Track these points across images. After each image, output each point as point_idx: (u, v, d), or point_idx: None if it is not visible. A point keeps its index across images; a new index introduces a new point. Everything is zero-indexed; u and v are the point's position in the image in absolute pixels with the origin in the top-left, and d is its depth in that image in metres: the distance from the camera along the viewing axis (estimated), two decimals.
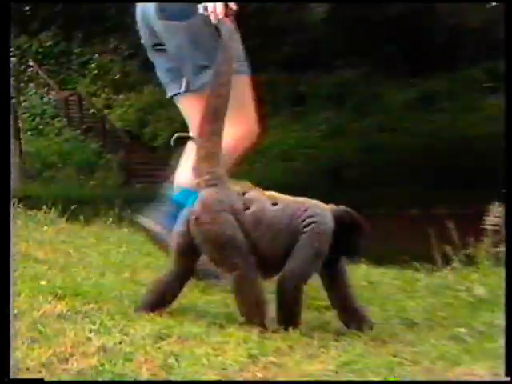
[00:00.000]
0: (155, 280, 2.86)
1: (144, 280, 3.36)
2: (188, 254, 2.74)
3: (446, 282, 3.57)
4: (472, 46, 21.50)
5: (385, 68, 20.51)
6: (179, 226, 2.80)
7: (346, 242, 2.70)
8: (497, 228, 3.69)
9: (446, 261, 3.82)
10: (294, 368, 2.34)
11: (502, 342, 2.73)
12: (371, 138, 18.58)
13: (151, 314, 2.78)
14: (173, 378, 2.23)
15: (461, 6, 18.29)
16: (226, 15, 3.23)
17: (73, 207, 6.12)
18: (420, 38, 20.76)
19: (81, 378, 2.15)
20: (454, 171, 16.95)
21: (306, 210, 2.68)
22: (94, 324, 2.62)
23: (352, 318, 2.78)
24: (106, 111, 25.07)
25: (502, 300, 3.10)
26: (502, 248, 3.61)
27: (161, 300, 2.79)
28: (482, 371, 2.43)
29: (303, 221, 2.66)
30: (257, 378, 2.26)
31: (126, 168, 21.23)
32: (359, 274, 3.89)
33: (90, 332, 2.54)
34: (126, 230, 5.15)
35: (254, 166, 15.32)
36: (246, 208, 2.68)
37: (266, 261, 2.69)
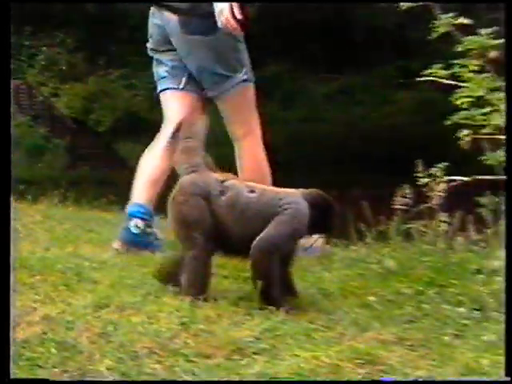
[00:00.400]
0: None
1: (86, 254, 3.31)
2: None
3: (360, 256, 3.59)
4: (387, 46, 21.69)
5: (308, 64, 20.61)
6: None
7: (320, 222, 2.69)
8: (406, 208, 3.72)
9: (360, 237, 3.84)
10: (222, 334, 2.33)
11: (411, 309, 2.77)
12: (296, 127, 18.67)
13: (92, 286, 2.75)
14: (110, 345, 2.20)
15: (378, 8, 18.38)
16: (239, 26, 3.30)
17: (22, 187, 6.01)
18: (341, 37, 20.87)
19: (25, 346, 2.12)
20: (369, 157, 17.14)
21: (281, 199, 2.66)
22: (38, 295, 2.58)
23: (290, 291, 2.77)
24: (53, 99, 24.79)
25: (410, 271, 3.15)
26: (410, 225, 3.64)
27: None
28: (389, 336, 2.46)
29: (280, 207, 2.63)
30: (188, 345, 2.25)
31: (72, 152, 21.05)
32: None
33: (35, 302, 2.50)
34: (70, 208, 5.07)
35: None
36: (222, 194, 2.66)
37: (237, 243, 2.67)
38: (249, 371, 2.10)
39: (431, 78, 3.73)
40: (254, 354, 2.23)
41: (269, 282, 2.63)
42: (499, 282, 3.08)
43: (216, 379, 2.06)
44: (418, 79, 3.74)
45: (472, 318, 2.73)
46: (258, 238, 2.61)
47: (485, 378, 2.07)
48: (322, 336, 2.41)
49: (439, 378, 2.12)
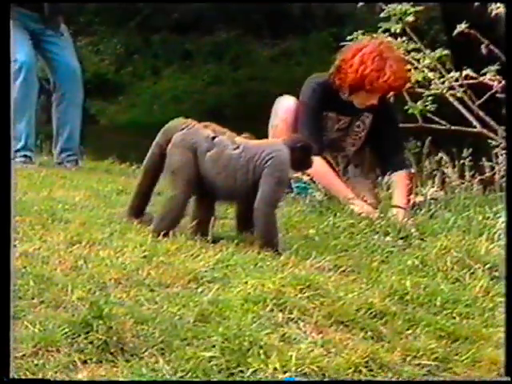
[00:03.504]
0: None
1: (60, 197, 3.20)
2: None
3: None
4: (321, 16, 21.56)
5: (254, 32, 20.45)
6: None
7: (300, 161, 2.64)
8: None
9: None
10: (180, 266, 2.28)
11: (344, 239, 2.74)
12: (244, 86, 18.55)
13: (65, 225, 2.67)
14: (81, 278, 2.13)
15: None
16: None
17: None
18: (281, 9, 20.69)
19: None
20: None
21: (263, 151, 2.59)
22: (17, 234, 2.48)
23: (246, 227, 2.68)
24: None
25: (343, 207, 3.11)
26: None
27: None
28: (325, 263, 2.43)
29: (262, 159, 2.57)
30: (150, 276, 2.19)
31: (48, 109, 20.62)
32: None
33: (14, 240, 2.40)
34: (45, 157, 4.94)
35: (152, 108, 15.01)
36: (208, 150, 2.60)
37: (219, 191, 2.62)
38: (204, 298, 2.06)
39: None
40: (209, 282, 2.19)
41: (272, 233, 2.58)
42: (422, 214, 3.08)
43: (176, 306, 2.00)
44: (345, 43, 3.69)
45: (397, 245, 2.71)
46: (257, 200, 2.55)
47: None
48: (268, 265, 2.37)
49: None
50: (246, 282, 2.16)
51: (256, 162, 2.58)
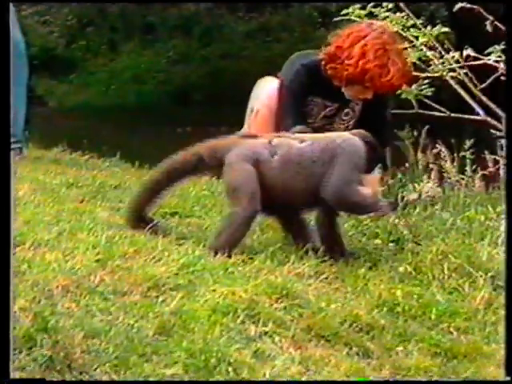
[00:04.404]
0: None
1: None
2: None
3: None
4: None
5: (226, 3, 20.41)
6: None
7: (374, 159, 2.73)
8: None
9: None
10: (139, 271, 2.28)
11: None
12: (215, 64, 18.52)
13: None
14: (24, 284, 2.12)
15: None
16: None
17: None
18: None
19: None
20: None
21: (334, 140, 2.67)
22: None
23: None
24: None
25: None
26: None
27: None
28: (305, 269, 2.45)
29: (337, 147, 2.64)
30: (104, 282, 2.18)
31: None
32: (201, 184, 3.83)
33: None
34: None
35: (108, 88, 14.93)
36: (273, 154, 2.63)
37: (300, 195, 2.64)
38: (165, 308, 2.06)
39: (348, 17, 3.72)
40: (171, 290, 2.19)
41: (357, 206, 2.65)
42: (416, 213, 3.10)
43: (133, 317, 2.01)
44: (336, 19, 3.70)
45: (387, 249, 2.74)
46: (327, 185, 2.60)
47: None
48: (240, 270, 2.38)
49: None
50: (215, 290, 2.17)
51: (331, 151, 2.63)
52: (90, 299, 2.08)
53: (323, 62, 3.33)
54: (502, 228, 2.85)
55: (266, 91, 3.47)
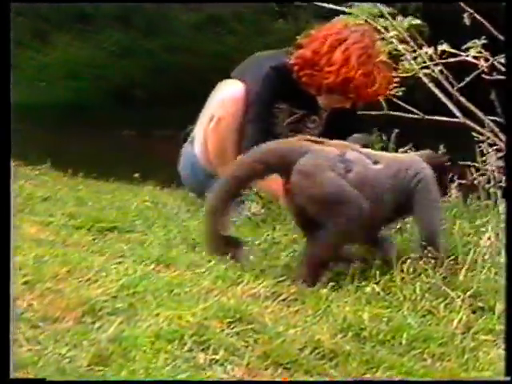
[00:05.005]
0: None
1: None
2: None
3: None
4: None
5: None
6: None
7: (445, 183, 2.89)
8: None
9: None
10: (72, 294, 2.27)
11: (286, 259, 2.79)
12: (160, 59, 18.48)
13: None
14: None
15: None
16: None
17: None
18: None
19: None
20: None
21: (408, 169, 2.75)
22: None
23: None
24: None
25: (284, 219, 3.15)
26: None
27: None
28: (261, 290, 2.47)
29: (410, 180, 2.73)
30: (33, 307, 2.18)
31: None
32: (143, 195, 3.84)
33: None
34: None
35: (37, 86, 14.82)
36: (348, 170, 2.66)
37: (370, 221, 2.68)
38: (102, 335, 2.06)
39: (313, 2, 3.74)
40: (109, 314, 2.19)
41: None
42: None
43: (65, 346, 2.01)
44: (297, 3, 3.73)
45: (354, 267, 2.76)
46: (421, 231, 2.78)
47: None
48: (187, 292, 2.39)
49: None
50: (158, 314, 2.18)
51: (402, 180, 2.73)
52: (16, 327, 2.07)
53: (296, 68, 3.32)
54: (482, 243, 2.90)
55: (230, 96, 3.42)
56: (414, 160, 2.85)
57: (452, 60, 3.72)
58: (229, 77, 3.54)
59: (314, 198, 2.65)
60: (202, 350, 2.07)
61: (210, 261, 2.70)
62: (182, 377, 1.92)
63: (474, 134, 3.70)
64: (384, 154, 2.90)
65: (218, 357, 2.05)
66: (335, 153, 2.68)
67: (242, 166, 2.78)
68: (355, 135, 3.17)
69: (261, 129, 3.31)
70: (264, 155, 2.73)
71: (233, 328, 2.17)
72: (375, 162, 2.73)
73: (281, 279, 2.60)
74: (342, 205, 2.63)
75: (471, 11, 3.84)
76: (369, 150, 2.82)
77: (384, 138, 3.64)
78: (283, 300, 2.45)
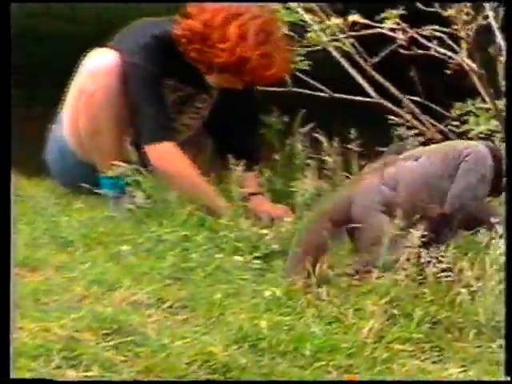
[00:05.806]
0: None
1: None
2: None
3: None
4: None
5: None
6: None
7: (496, 179, 2.89)
8: None
9: None
10: None
11: (173, 258, 2.80)
12: (20, 24, 18.26)
13: None
14: None
15: None
16: None
17: None
18: None
19: None
20: None
21: (455, 148, 2.91)
22: None
23: None
24: None
25: (172, 211, 3.15)
26: None
27: None
28: (143, 296, 2.47)
29: (458, 157, 2.85)
30: None
31: None
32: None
33: None
34: None
35: None
36: (393, 188, 2.81)
37: (435, 220, 2.82)
38: None
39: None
40: None
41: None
42: (287, 222, 3.14)
43: None
44: None
45: (251, 268, 2.81)
46: (449, 196, 2.83)
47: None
48: (56, 300, 2.38)
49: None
50: (21, 328, 2.17)
51: (454, 160, 2.85)
52: None
53: (183, 40, 3.29)
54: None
55: (101, 67, 3.38)
56: (469, 143, 3.00)
57: (365, 33, 3.73)
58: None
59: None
60: (72, 366, 2.06)
61: (83, 263, 2.70)
62: None
63: (390, 116, 3.74)
64: (427, 147, 3.05)
65: (90, 373, 2.05)
66: (372, 180, 2.85)
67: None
68: (391, 146, 3.25)
69: (157, 108, 3.28)
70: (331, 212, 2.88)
71: (109, 341, 2.17)
72: (416, 159, 2.87)
73: (167, 283, 2.61)
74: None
75: None
76: (407, 153, 2.96)
77: (287, 119, 3.65)
78: (169, 307, 2.46)
